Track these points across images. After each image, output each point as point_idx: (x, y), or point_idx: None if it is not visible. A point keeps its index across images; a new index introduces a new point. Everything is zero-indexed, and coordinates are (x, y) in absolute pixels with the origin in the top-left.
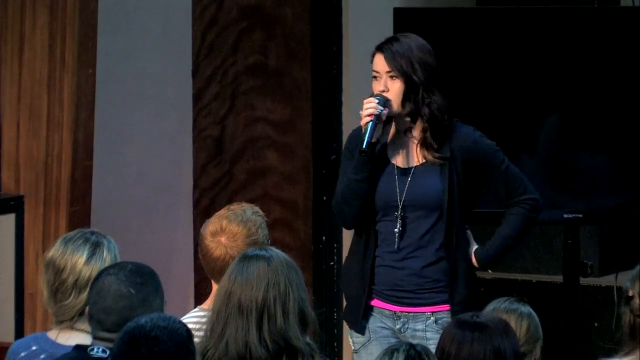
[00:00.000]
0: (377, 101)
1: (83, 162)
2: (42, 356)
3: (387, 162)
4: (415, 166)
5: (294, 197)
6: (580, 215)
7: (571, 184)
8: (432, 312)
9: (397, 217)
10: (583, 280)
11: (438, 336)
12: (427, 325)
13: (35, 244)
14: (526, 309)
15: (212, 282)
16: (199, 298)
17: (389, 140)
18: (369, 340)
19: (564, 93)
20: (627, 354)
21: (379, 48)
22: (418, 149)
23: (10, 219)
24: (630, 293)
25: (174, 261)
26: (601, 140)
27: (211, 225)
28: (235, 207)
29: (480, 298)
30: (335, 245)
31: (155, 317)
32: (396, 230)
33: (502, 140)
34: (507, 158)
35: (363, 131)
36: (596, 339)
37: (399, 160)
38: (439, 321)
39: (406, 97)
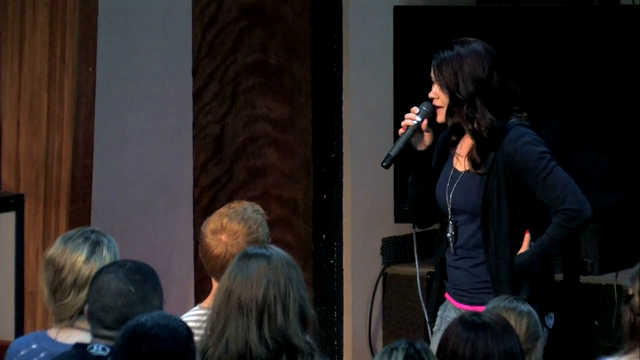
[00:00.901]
0: (418, 111)
1: (83, 160)
2: (42, 354)
3: (448, 163)
4: (464, 172)
5: (294, 195)
6: None
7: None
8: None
9: (449, 220)
10: (583, 279)
11: None
12: None
13: (36, 242)
14: (526, 307)
15: (213, 280)
16: (199, 296)
17: (455, 139)
18: (439, 329)
19: (564, 92)
20: (627, 353)
21: (434, 55)
22: (467, 156)
23: (10, 217)
24: (630, 291)
25: (174, 259)
26: (601, 138)
27: (212, 223)
28: (235, 205)
29: (539, 301)
30: (335, 243)
31: (155, 315)
32: (448, 234)
33: None
34: (553, 166)
35: (396, 142)
36: (596, 338)
37: (456, 162)
38: None
39: (450, 110)
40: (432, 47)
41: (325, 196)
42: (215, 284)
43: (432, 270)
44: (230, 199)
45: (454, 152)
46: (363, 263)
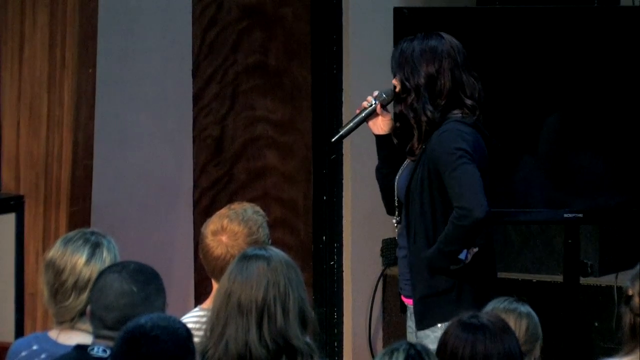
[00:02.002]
0: (375, 95)
1: (83, 161)
2: (42, 356)
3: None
4: (409, 162)
5: (294, 196)
6: (581, 215)
7: (571, 183)
8: (409, 305)
9: (395, 207)
10: (583, 280)
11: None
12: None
13: (36, 243)
14: (525, 308)
15: (212, 281)
16: (199, 298)
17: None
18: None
19: (564, 92)
20: (627, 354)
21: (396, 44)
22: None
23: (10, 218)
24: (630, 292)
25: (174, 261)
26: (601, 139)
27: (212, 225)
28: (236, 206)
29: (444, 300)
30: (335, 245)
31: (155, 316)
32: (394, 220)
33: (503, 140)
34: (462, 163)
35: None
36: (596, 339)
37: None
38: (411, 316)
39: (398, 97)
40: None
41: (325, 197)
42: (215, 285)
43: None
44: (230, 200)
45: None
46: (363, 264)
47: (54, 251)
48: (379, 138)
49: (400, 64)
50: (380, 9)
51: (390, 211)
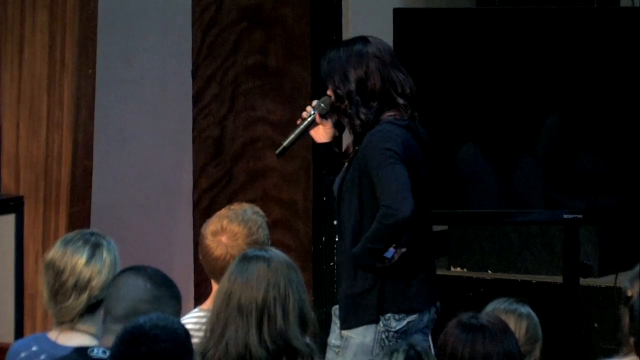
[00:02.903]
0: (314, 105)
1: (83, 162)
2: (42, 357)
3: None
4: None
5: (293, 197)
6: (580, 216)
7: (571, 184)
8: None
9: (336, 209)
10: (583, 281)
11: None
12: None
13: (35, 244)
14: (525, 309)
15: (212, 282)
16: (199, 298)
17: None
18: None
19: (564, 93)
20: (626, 355)
21: (325, 54)
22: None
23: (10, 219)
24: (630, 293)
25: (174, 261)
26: (601, 140)
27: (212, 225)
28: (235, 206)
29: (367, 298)
30: (335, 245)
31: (154, 316)
32: (335, 222)
33: (502, 140)
34: (390, 163)
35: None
36: (596, 340)
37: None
38: (335, 311)
39: (333, 106)
40: (432, 50)
41: (325, 198)
42: (215, 286)
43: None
44: (230, 201)
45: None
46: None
47: (54, 252)
48: (322, 146)
49: (330, 73)
50: (380, 10)
51: None
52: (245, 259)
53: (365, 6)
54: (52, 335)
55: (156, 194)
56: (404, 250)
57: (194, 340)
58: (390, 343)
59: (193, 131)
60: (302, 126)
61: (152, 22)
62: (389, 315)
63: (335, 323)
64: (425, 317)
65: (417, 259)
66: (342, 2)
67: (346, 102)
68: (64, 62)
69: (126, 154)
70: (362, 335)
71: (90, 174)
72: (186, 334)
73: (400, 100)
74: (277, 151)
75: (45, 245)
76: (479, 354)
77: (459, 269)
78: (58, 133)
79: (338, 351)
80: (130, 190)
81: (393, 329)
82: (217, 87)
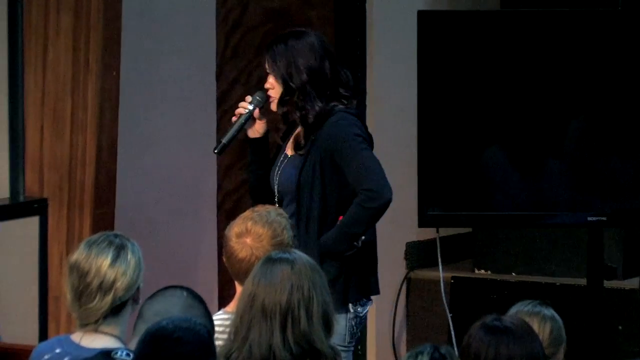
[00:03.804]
0: (250, 100)
1: (107, 164)
2: (65, 359)
3: (283, 148)
4: (291, 155)
5: None
6: (604, 218)
7: (595, 186)
8: None
9: (275, 203)
10: (607, 283)
11: None
12: None
13: (59, 246)
14: (549, 311)
15: (236, 284)
16: (223, 300)
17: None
18: None
19: (589, 95)
20: None
21: (267, 46)
22: (293, 140)
23: (34, 221)
24: None
25: (198, 263)
26: (626, 143)
27: (236, 227)
28: (259, 208)
29: (344, 285)
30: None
31: (176, 318)
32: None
33: (528, 143)
34: (363, 148)
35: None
36: (620, 342)
37: (287, 148)
38: None
39: (282, 98)
40: (456, 52)
41: None
42: (239, 288)
43: (457, 274)
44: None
45: (291, 139)
46: (387, 268)
47: (78, 254)
48: (254, 141)
49: (279, 65)
50: (404, 12)
51: None
52: (269, 261)
53: (389, 8)
54: (76, 337)
55: (180, 195)
56: (363, 237)
57: (218, 343)
58: (357, 329)
59: (217, 133)
60: (240, 121)
61: (177, 24)
62: (356, 302)
63: None
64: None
65: (373, 245)
66: (366, 4)
67: (297, 94)
68: (88, 64)
69: (150, 156)
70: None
71: (114, 176)
72: (209, 335)
73: (344, 92)
74: (217, 149)
75: (70, 248)
76: (503, 356)
77: (483, 271)
78: (82, 135)
79: None
80: (155, 192)
81: (360, 315)
82: (242, 89)
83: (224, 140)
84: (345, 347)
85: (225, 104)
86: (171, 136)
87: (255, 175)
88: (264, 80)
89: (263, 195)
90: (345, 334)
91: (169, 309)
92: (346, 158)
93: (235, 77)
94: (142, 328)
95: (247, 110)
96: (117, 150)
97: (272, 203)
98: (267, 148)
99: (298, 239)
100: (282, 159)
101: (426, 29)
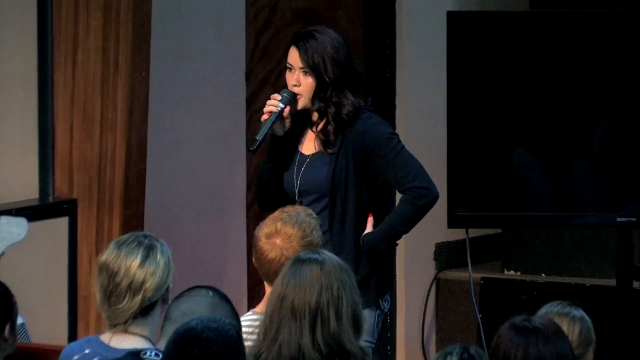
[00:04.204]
0: (280, 98)
1: (137, 165)
2: (95, 359)
3: (296, 148)
4: (313, 154)
5: None
6: (634, 219)
7: (625, 187)
8: None
9: (295, 202)
10: (636, 284)
11: None
12: None
13: (89, 247)
14: (579, 312)
15: (265, 284)
16: (252, 301)
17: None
18: None
19: (618, 96)
20: None
21: (295, 41)
22: (316, 138)
23: (63, 222)
24: None
25: (227, 264)
26: None
27: (266, 228)
28: (289, 209)
29: (367, 284)
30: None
31: (205, 319)
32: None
33: (556, 143)
34: (401, 147)
35: (261, 127)
36: None
37: (303, 147)
38: None
39: (316, 94)
40: (486, 53)
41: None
42: (268, 289)
43: (486, 275)
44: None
45: (306, 137)
46: (416, 268)
47: (108, 254)
48: (276, 139)
49: (312, 59)
50: (434, 12)
51: (266, 208)
52: (298, 261)
53: (419, 9)
54: (105, 337)
55: (209, 196)
56: None
57: (248, 344)
58: (380, 325)
59: (247, 134)
60: (271, 119)
61: (206, 24)
62: (383, 297)
63: None
64: None
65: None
66: (396, 5)
67: (330, 89)
68: (117, 64)
69: (180, 157)
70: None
71: (144, 176)
72: (238, 335)
73: (360, 89)
74: (252, 147)
75: (99, 248)
76: (532, 356)
77: (512, 272)
78: (112, 135)
79: None
80: (184, 192)
81: (384, 310)
82: (271, 90)
83: (259, 138)
84: (371, 342)
85: (255, 105)
86: (200, 136)
87: (271, 174)
88: (284, 78)
89: (272, 195)
90: (374, 330)
91: (195, 309)
92: (386, 157)
93: (264, 77)
94: (170, 329)
95: (278, 108)
96: (147, 150)
97: (292, 202)
98: (285, 147)
99: (331, 237)
100: (298, 158)
101: (456, 29)
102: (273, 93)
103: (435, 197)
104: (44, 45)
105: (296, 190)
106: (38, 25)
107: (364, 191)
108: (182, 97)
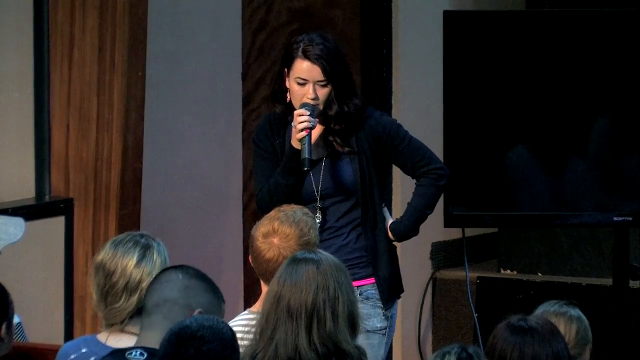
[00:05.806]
0: (308, 113)
1: (133, 164)
2: (91, 359)
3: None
4: (325, 157)
5: None
6: (630, 218)
7: (621, 186)
8: (358, 287)
9: (316, 207)
10: (633, 283)
11: (362, 306)
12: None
13: (85, 246)
14: (575, 312)
15: (262, 284)
16: (249, 300)
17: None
18: None
19: (614, 95)
20: None
21: (308, 56)
22: (324, 140)
23: (60, 221)
24: None
25: (224, 264)
26: None
27: (263, 227)
28: (285, 208)
29: (399, 274)
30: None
31: (199, 317)
32: (318, 220)
33: (552, 142)
34: (408, 132)
35: (300, 147)
36: None
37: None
38: (364, 293)
39: (332, 100)
40: (482, 52)
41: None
42: (265, 288)
43: (483, 274)
44: None
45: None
46: (412, 267)
47: (104, 254)
48: (296, 151)
49: (335, 67)
50: (430, 12)
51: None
52: (294, 261)
53: (415, 8)
54: (102, 337)
55: (206, 196)
56: None
57: (244, 343)
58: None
59: (243, 133)
60: (310, 134)
61: (202, 24)
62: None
63: (376, 306)
64: None
65: None
66: (392, 4)
67: (346, 93)
68: (113, 64)
69: (176, 156)
70: (395, 310)
71: (140, 176)
72: (232, 333)
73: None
74: (305, 166)
75: (95, 248)
76: (528, 356)
77: (509, 271)
78: (108, 135)
79: (384, 332)
80: (180, 192)
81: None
82: (267, 89)
83: (308, 156)
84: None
85: (251, 104)
86: (197, 136)
87: (289, 188)
88: (279, 81)
89: (283, 202)
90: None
91: (167, 297)
92: (400, 145)
93: (260, 77)
94: (146, 322)
95: (312, 123)
96: (143, 150)
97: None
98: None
99: (365, 236)
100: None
101: (452, 28)
102: (269, 93)
103: (448, 176)
104: (40, 45)
105: (317, 195)
106: (34, 25)
107: (382, 185)
108: (178, 97)
